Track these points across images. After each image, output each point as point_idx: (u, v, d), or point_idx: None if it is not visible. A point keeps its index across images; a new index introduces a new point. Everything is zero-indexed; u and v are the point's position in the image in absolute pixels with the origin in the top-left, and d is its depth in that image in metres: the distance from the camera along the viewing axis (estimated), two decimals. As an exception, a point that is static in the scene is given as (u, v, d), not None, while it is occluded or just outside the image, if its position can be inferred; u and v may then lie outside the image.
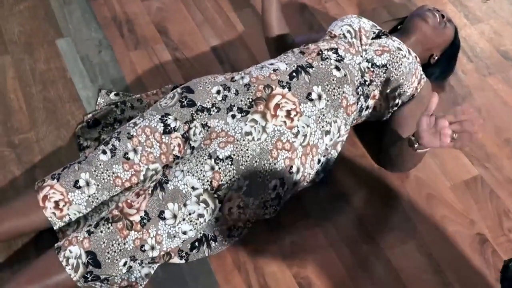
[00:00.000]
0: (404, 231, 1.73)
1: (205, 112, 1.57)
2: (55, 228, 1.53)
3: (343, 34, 1.80)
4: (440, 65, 1.99)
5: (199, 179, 1.46)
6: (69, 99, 1.97)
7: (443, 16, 1.91)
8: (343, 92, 1.67)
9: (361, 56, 1.75)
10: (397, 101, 1.81)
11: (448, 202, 1.81)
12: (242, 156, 1.50)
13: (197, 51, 2.19)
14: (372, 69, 1.74)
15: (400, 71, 1.74)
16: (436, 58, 1.96)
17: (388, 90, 1.77)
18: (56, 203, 1.51)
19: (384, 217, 1.77)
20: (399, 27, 2.03)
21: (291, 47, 1.86)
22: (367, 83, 1.74)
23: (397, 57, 1.74)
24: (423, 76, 1.83)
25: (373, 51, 1.76)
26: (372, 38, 1.80)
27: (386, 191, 1.83)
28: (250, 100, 1.59)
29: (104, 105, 1.93)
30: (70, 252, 1.42)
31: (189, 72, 2.10)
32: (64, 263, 1.41)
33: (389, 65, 1.73)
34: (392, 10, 2.45)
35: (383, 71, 1.74)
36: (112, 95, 1.97)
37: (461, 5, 2.51)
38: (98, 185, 1.53)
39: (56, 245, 1.44)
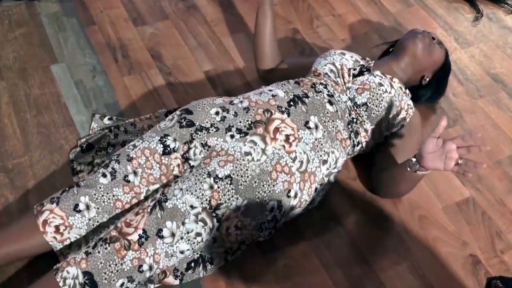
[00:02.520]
0: (397, 252, 1.74)
1: (204, 131, 1.58)
2: (55, 250, 1.52)
3: (327, 73, 1.83)
4: (431, 86, 2.02)
5: (198, 197, 1.47)
6: (63, 123, 1.98)
7: (433, 38, 1.95)
8: (336, 126, 1.69)
9: (346, 95, 1.78)
10: (385, 133, 1.83)
11: (441, 223, 1.82)
12: (241, 176, 1.50)
13: (191, 76, 2.21)
14: (355, 108, 1.77)
15: (381, 107, 1.77)
16: (428, 79, 1.98)
17: (373, 126, 1.79)
18: (57, 228, 1.50)
19: (377, 239, 1.78)
20: (390, 49, 2.05)
21: (283, 74, 1.88)
22: (354, 120, 1.77)
23: (377, 93, 1.77)
24: (411, 106, 1.85)
25: (354, 90, 1.78)
26: (355, 76, 1.83)
27: (379, 213, 1.83)
28: (249, 122, 1.60)
29: (97, 129, 1.94)
30: (68, 272, 1.41)
31: (182, 97, 2.11)
32: (61, 284, 1.40)
33: (369, 102, 1.76)
34: (383, 33, 2.48)
35: (364, 109, 1.77)
36: (105, 120, 1.98)
37: (451, 29, 2.55)
38: (98, 208, 1.52)
39: (55, 266, 1.44)
